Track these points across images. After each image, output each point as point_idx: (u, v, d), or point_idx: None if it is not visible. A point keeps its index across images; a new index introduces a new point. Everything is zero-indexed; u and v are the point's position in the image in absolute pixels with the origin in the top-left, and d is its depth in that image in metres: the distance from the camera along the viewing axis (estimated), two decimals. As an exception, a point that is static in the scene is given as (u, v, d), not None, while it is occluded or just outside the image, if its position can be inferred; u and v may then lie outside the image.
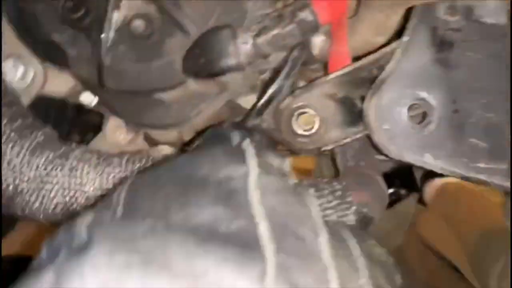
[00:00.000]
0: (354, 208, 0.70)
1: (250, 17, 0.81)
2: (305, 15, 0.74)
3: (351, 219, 0.69)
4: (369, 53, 0.82)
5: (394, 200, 1.66)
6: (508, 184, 0.71)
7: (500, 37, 0.69)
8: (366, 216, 0.70)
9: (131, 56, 0.79)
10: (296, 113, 0.78)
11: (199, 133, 0.88)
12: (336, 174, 0.89)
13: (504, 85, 0.70)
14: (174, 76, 0.80)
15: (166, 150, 0.88)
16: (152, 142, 0.92)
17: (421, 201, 1.85)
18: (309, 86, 0.80)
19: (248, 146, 0.56)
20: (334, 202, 0.68)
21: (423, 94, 0.70)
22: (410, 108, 0.71)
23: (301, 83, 0.87)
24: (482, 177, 0.70)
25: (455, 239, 1.98)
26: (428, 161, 0.70)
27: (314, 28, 0.76)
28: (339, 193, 0.70)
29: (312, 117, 0.77)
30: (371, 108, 0.72)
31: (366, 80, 0.79)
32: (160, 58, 0.80)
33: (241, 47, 0.75)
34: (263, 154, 0.55)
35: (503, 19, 0.68)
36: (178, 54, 0.79)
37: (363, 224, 0.70)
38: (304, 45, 0.80)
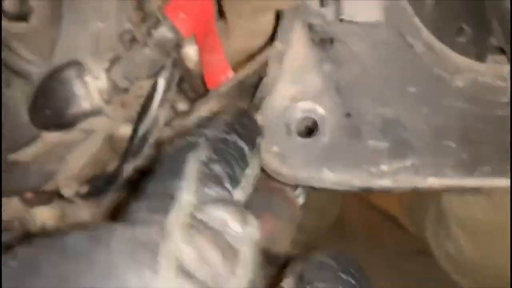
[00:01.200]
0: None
1: (104, 42, 0.68)
2: (162, 32, 0.63)
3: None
4: (250, 56, 0.72)
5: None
6: (414, 181, 0.64)
7: (380, 25, 0.61)
8: (268, 253, 0.61)
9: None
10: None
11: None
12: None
13: (393, 73, 0.62)
14: (23, 131, 0.66)
15: (44, 214, 0.75)
16: (29, 204, 0.79)
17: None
18: (188, 112, 0.69)
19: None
20: None
21: (309, 105, 0.61)
22: (298, 123, 0.62)
23: (181, 104, 0.75)
24: (386, 182, 0.63)
25: (394, 195, 2.03)
26: (326, 176, 0.60)
27: (177, 44, 0.64)
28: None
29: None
30: None
31: (252, 87, 0.69)
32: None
33: (93, 86, 0.63)
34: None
35: (375, 15, 0.58)
36: (23, 105, 0.66)
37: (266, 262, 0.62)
38: (176, 60, 0.68)
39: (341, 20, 0.55)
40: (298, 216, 0.73)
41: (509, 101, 0.66)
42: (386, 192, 0.65)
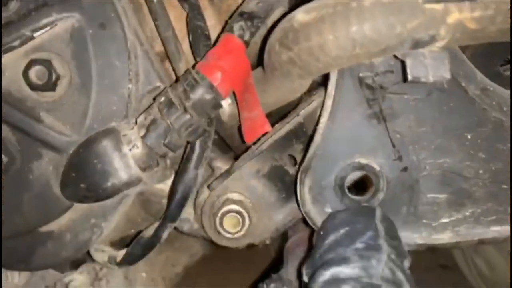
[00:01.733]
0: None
1: (134, 101, 0.64)
2: (201, 94, 0.58)
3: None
4: (284, 106, 0.69)
5: None
6: (476, 232, 0.61)
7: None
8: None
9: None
10: (219, 215, 0.63)
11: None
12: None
13: (450, 120, 0.59)
14: (55, 204, 0.63)
15: (77, 280, 0.72)
16: (58, 267, 0.75)
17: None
18: (225, 174, 0.65)
19: None
20: None
21: (363, 162, 0.58)
22: (352, 180, 0.59)
23: (218, 161, 0.72)
24: (447, 235, 0.60)
25: None
26: None
27: (216, 105, 0.60)
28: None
29: (238, 216, 0.63)
30: (305, 193, 0.59)
31: (293, 134, 0.65)
32: (29, 190, 0.62)
33: (130, 155, 0.59)
34: None
35: (446, 74, 0.54)
36: (54, 177, 0.62)
37: None
38: (211, 118, 0.64)
39: (406, 81, 0.52)
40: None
41: None
42: (450, 248, 0.63)
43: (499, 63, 0.70)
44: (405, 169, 0.59)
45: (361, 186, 0.61)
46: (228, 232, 0.63)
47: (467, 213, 0.61)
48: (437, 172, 0.59)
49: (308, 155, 0.58)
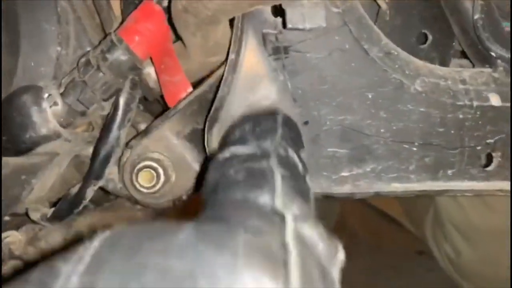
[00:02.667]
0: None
1: (65, 65, 0.69)
2: (117, 56, 0.63)
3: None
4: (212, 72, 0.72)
5: None
6: (376, 187, 0.63)
7: (334, 31, 0.60)
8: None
9: None
10: (135, 170, 0.67)
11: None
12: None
13: (351, 80, 0.61)
14: (-15, 158, 0.67)
15: (12, 236, 0.75)
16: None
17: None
18: (146, 132, 0.68)
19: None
20: None
21: None
22: None
23: (144, 125, 0.75)
24: (346, 188, 0.62)
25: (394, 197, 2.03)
26: None
27: (133, 67, 0.65)
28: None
29: (152, 171, 0.66)
30: (212, 141, 0.61)
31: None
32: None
33: (49, 112, 0.63)
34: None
35: (321, 22, 0.58)
36: (-18, 132, 0.66)
37: None
38: (135, 82, 0.68)
39: (285, 28, 0.55)
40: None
41: (470, 103, 0.65)
42: (347, 198, 0.65)
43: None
44: (306, 123, 0.61)
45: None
46: (143, 187, 0.67)
47: (368, 169, 0.63)
48: (337, 128, 0.62)
49: (214, 106, 0.61)
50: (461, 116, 0.65)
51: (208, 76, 0.71)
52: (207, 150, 0.63)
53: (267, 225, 0.37)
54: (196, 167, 0.69)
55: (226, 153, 0.50)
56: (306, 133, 0.61)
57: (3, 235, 0.76)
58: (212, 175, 0.48)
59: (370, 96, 0.62)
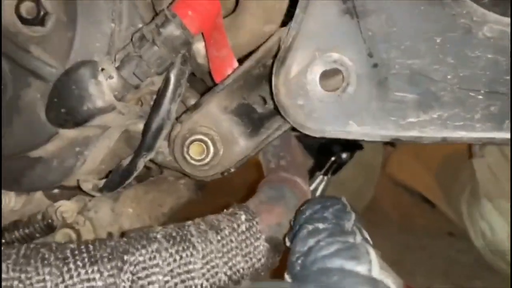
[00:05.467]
0: (263, 237, 0.62)
1: (118, 41, 0.71)
2: (170, 30, 0.64)
3: (261, 249, 0.62)
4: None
5: (337, 168, 1.61)
6: (442, 133, 0.62)
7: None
8: (277, 241, 0.63)
9: (-14, 121, 0.69)
10: (186, 143, 0.69)
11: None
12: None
13: (420, 24, 0.60)
14: (42, 130, 0.70)
15: (65, 206, 0.79)
16: (51, 197, 0.83)
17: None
18: (195, 106, 0.71)
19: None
20: (238, 240, 0.61)
21: (335, 55, 0.60)
22: (324, 74, 0.61)
23: (193, 100, 0.78)
24: (413, 133, 0.62)
25: (424, 170, 2.02)
26: (353, 129, 0.61)
27: (185, 41, 0.66)
28: (244, 226, 0.62)
29: (203, 144, 0.68)
30: (280, 85, 0.62)
31: (262, 76, 0.70)
32: (19, 114, 0.69)
33: (105, 85, 0.65)
34: None
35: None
36: (41, 105, 0.69)
37: (275, 249, 0.64)
38: (185, 57, 0.70)
39: None
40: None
41: None
42: (415, 143, 0.64)
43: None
44: (375, 65, 0.61)
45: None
46: (194, 159, 0.69)
47: (435, 116, 0.62)
48: (406, 72, 0.61)
49: (283, 47, 0.61)
50: None
51: (254, 51, 0.72)
52: (273, 94, 0.62)
53: None
54: (243, 141, 0.71)
55: (309, 227, 0.57)
56: (375, 76, 0.61)
57: (57, 203, 0.80)
58: (300, 245, 0.55)
59: (438, 41, 0.61)
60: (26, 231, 0.77)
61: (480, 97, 0.61)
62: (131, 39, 0.67)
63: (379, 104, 0.61)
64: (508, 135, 0.61)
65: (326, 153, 1.56)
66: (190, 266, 0.58)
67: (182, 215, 1.00)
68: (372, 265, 0.50)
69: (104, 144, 0.76)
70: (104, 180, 0.75)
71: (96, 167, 0.78)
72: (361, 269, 0.49)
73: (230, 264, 0.60)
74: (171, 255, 0.58)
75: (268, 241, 0.63)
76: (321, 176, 1.57)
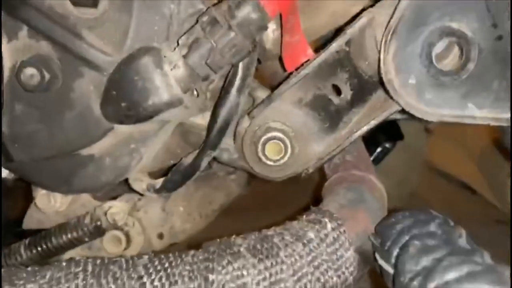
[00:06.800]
0: (352, 248, 0.55)
1: (176, 24, 0.62)
2: (247, 12, 0.56)
3: (351, 262, 0.55)
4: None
5: (382, 157, 1.55)
6: None
7: None
8: (366, 251, 0.56)
9: (32, 116, 0.61)
10: (261, 142, 0.61)
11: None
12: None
13: None
14: (96, 125, 0.62)
15: (116, 207, 0.72)
16: (100, 199, 0.75)
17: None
18: (267, 101, 0.62)
19: None
20: (328, 252, 0.54)
21: (454, 25, 0.51)
22: (439, 48, 0.52)
23: (260, 91, 0.69)
24: None
25: (464, 157, 1.97)
26: (473, 113, 0.52)
27: (262, 26, 0.58)
28: (332, 236, 0.55)
29: (280, 142, 0.61)
30: (389, 60, 0.53)
31: (337, 62, 0.61)
32: (71, 109, 0.61)
33: (171, 75, 0.57)
34: None
35: None
36: (95, 97, 0.61)
37: (365, 261, 0.57)
38: (255, 43, 0.62)
39: None
40: (385, 209, 0.67)
41: None
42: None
43: None
44: (499, 37, 0.51)
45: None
46: (270, 160, 0.61)
47: None
48: None
49: (395, 16, 0.52)
50: None
51: (332, 39, 0.64)
52: (381, 71, 0.54)
53: None
54: (320, 137, 0.63)
55: (416, 243, 0.50)
56: (499, 50, 0.52)
57: (106, 205, 0.73)
58: (411, 264, 0.49)
59: None
60: (75, 235, 0.70)
61: None
62: (196, 22, 0.59)
63: (503, 83, 0.52)
64: None
65: (371, 144, 1.49)
66: (282, 285, 0.51)
67: (232, 210, 0.94)
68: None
69: (161, 139, 0.68)
70: (160, 180, 0.67)
71: (148, 165, 0.71)
72: None
73: (322, 280, 0.53)
74: (259, 272, 0.51)
75: (357, 251, 0.57)
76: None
